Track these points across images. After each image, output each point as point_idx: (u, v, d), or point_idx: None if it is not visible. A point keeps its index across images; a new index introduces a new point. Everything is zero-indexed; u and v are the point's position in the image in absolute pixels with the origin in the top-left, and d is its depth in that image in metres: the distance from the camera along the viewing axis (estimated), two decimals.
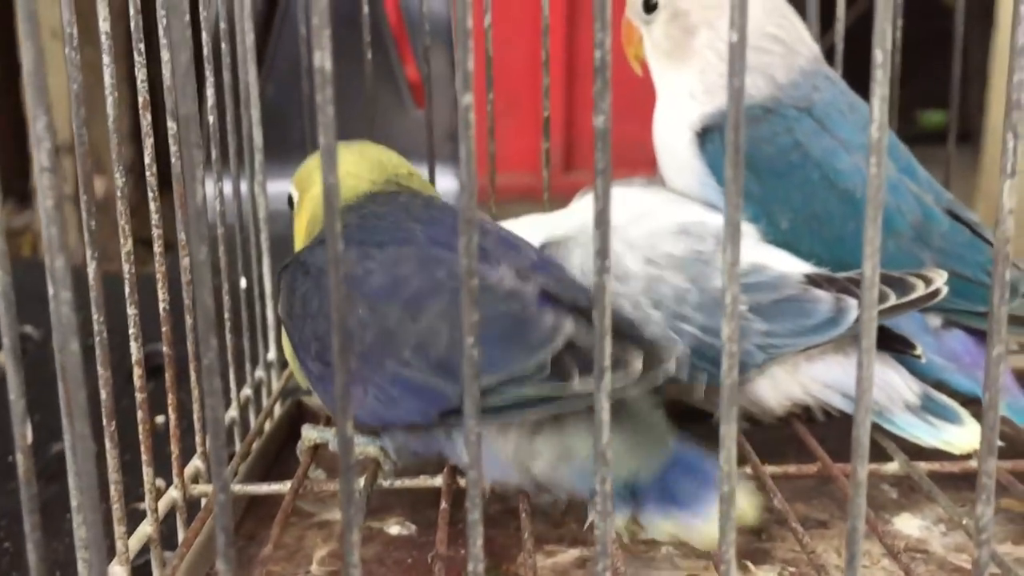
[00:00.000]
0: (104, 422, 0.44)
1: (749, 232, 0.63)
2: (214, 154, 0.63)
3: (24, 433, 0.35)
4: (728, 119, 0.28)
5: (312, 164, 0.63)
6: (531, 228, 0.65)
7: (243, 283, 0.69)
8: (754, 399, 0.60)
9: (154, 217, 0.50)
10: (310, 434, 0.58)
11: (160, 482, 0.53)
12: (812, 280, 0.59)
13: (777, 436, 0.62)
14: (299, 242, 0.63)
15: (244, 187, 0.71)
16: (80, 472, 0.31)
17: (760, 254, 0.61)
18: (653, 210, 0.64)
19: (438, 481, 0.55)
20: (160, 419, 0.75)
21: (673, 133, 0.66)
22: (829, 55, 0.73)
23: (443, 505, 0.51)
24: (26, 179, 1.71)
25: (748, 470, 0.55)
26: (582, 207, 0.68)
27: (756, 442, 0.58)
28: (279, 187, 0.80)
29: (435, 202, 0.58)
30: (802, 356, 0.59)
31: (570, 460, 0.48)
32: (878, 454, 0.58)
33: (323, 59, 0.29)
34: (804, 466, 0.55)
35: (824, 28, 0.79)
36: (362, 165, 0.59)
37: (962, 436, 0.58)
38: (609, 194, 0.30)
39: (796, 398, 0.60)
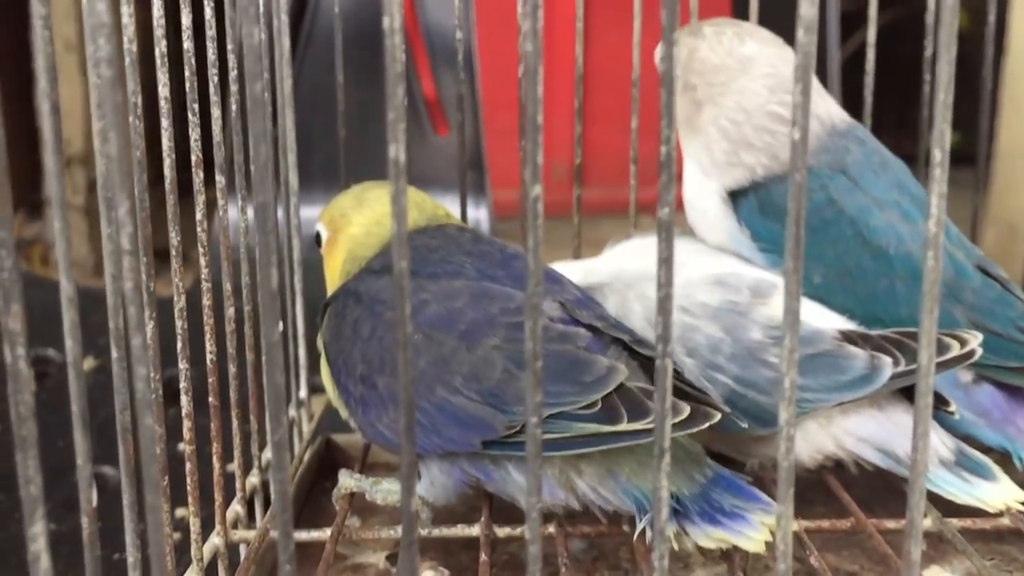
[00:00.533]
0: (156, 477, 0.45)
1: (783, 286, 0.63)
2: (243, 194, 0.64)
3: (89, 498, 0.36)
4: (789, 213, 0.29)
5: (346, 203, 0.64)
6: (565, 273, 0.66)
7: (279, 326, 0.70)
8: None
9: (203, 270, 0.51)
10: (347, 482, 0.59)
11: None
12: (847, 337, 0.60)
13: (805, 485, 0.63)
14: (331, 280, 0.64)
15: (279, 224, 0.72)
16: (150, 542, 0.32)
17: None
18: (688, 261, 0.65)
19: (475, 531, 0.55)
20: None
21: (700, 195, 0.67)
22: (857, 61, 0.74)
23: (483, 557, 0.52)
24: (37, 190, 1.72)
25: None
26: (616, 254, 0.69)
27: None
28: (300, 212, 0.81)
29: (481, 237, 0.60)
30: (836, 410, 0.60)
31: (615, 478, 0.50)
32: (901, 504, 0.59)
33: (398, 151, 0.30)
34: (838, 521, 0.56)
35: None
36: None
37: (995, 492, 0.58)
38: (671, 281, 0.31)
39: (828, 452, 0.61)
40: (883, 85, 0.80)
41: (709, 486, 0.50)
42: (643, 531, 0.51)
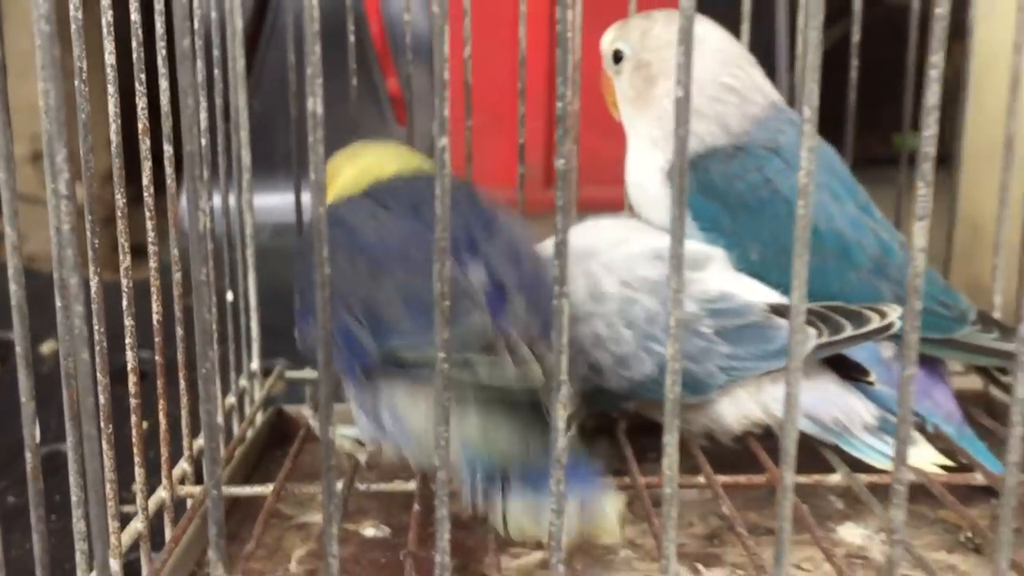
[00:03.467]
0: (102, 425, 0.47)
1: (721, 261, 0.67)
2: (205, 173, 0.67)
3: (33, 433, 0.39)
4: (675, 166, 0.32)
5: (340, 158, 0.65)
6: None
7: (229, 296, 0.73)
8: (715, 417, 0.64)
9: (150, 235, 0.53)
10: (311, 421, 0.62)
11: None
12: (775, 309, 0.63)
13: (733, 451, 0.66)
14: None
15: (231, 201, 0.75)
16: (87, 469, 0.35)
17: (729, 282, 0.65)
18: (630, 237, 0.68)
19: (411, 485, 0.58)
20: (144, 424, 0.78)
21: (644, 173, 0.70)
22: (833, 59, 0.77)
23: (415, 508, 0.55)
24: None
25: (701, 479, 0.59)
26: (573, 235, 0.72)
27: (713, 455, 0.62)
28: (263, 200, 0.83)
29: (464, 189, 0.60)
30: (765, 378, 0.63)
31: (459, 444, 0.50)
32: (826, 467, 0.62)
33: (315, 104, 0.32)
34: (754, 476, 0.59)
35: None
36: (388, 153, 0.64)
37: (916, 455, 0.62)
38: (568, 229, 0.34)
39: (755, 417, 0.64)
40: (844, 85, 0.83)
41: (538, 460, 0.50)
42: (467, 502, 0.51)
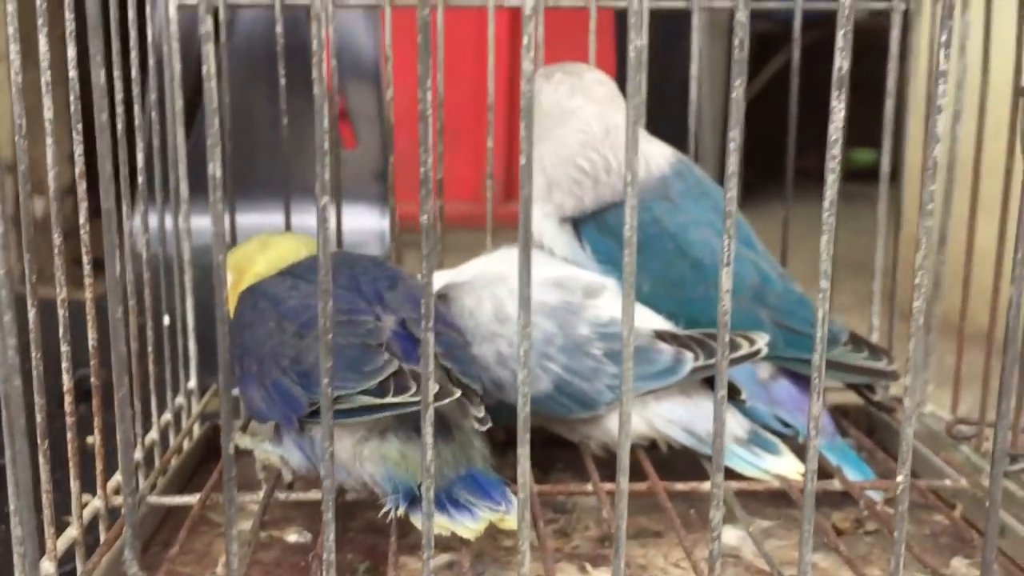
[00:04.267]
0: (39, 442, 0.53)
1: (614, 291, 0.73)
2: (144, 199, 0.72)
3: None
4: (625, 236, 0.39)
5: (250, 249, 0.73)
6: (441, 276, 0.77)
7: (166, 320, 0.78)
8: (605, 431, 0.71)
9: (85, 247, 0.59)
10: (242, 440, 0.68)
11: (87, 496, 0.62)
12: (659, 335, 0.70)
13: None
14: None
15: (168, 224, 0.80)
16: (19, 480, 0.40)
17: (619, 309, 0.71)
18: (533, 267, 0.74)
19: None
20: (90, 440, 0.83)
21: (540, 221, 0.77)
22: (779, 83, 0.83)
23: (326, 516, 0.61)
24: None
25: (589, 487, 0.65)
26: (480, 261, 0.79)
27: (607, 466, 0.68)
28: (202, 223, 0.88)
29: (371, 259, 0.70)
30: (650, 396, 0.70)
31: (384, 464, 0.60)
32: (704, 476, 0.69)
33: (215, 168, 0.38)
34: (636, 484, 0.66)
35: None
36: (301, 242, 0.72)
37: (780, 465, 0.69)
38: (432, 273, 0.40)
39: (642, 432, 0.71)
40: (804, 105, 0.88)
41: (456, 481, 0.59)
42: (388, 511, 0.59)
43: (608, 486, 0.65)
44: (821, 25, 1.66)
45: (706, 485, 0.66)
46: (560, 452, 0.77)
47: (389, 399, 0.57)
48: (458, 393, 0.57)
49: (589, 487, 0.65)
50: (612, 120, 0.75)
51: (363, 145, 1.68)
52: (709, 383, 0.70)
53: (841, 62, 0.39)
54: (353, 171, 1.72)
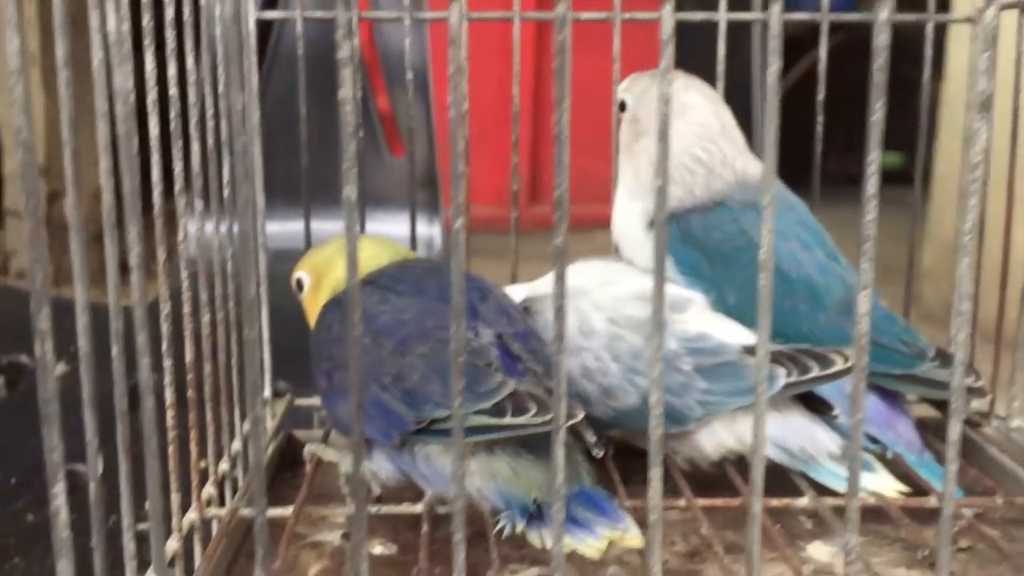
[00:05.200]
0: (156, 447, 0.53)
1: (700, 304, 0.73)
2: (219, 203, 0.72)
3: (96, 468, 0.44)
4: (656, 220, 0.38)
5: (329, 252, 0.73)
6: (522, 289, 0.77)
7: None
8: (694, 446, 0.71)
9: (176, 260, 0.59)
10: (317, 448, 0.68)
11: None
12: (748, 350, 0.69)
13: (712, 475, 0.72)
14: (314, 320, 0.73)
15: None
16: (150, 489, 0.40)
17: (707, 324, 0.71)
18: (617, 279, 0.74)
19: (419, 508, 0.64)
20: (203, 463, 0.84)
21: (627, 221, 0.77)
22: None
23: (424, 528, 0.61)
24: None
25: (682, 502, 0.65)
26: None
27: (694, 479, 0.68)
28: (273, 228, 0.89)
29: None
30: (740, 412, 0.69)
31: (494, 480, 0.60)
32: (796, 491, 0.68)
33: (350, 192, 0.38)
34: (730, 499, 0.65)
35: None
36: (381, 247, 0.72)
37: (875, 481, 0.69)
38: (564, 294, 0.40)
39: (730, 447, 0.70)
40: (830, 109, 0.88)
41: (571, 499, 0.59)
42: (502, 528, 0.60)
43: (702, 501, 0.64)
44: (848, 28, 1.65)
45: (800, 501, 0.66)
46: (632, 464, 0.76)
47: (509, 419, 0.57)
48: (582, 414, 0.57)
49: (682, 502, 0.65)
50: (725, 117, 0.77)
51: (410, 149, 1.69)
52: (801, 399, 0.70)
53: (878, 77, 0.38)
54: (401, 178, 1.73)
